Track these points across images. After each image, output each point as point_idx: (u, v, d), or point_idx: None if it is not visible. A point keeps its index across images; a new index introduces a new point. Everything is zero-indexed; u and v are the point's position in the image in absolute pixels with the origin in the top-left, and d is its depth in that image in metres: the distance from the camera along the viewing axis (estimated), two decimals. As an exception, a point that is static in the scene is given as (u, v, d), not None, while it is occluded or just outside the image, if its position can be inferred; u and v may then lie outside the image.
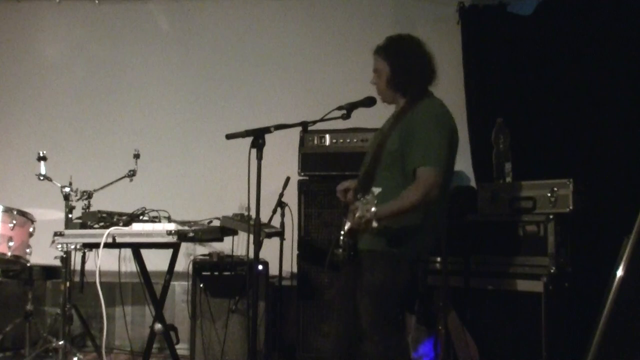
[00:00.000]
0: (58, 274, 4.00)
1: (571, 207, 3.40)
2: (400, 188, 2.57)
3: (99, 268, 3.35)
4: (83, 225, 3.42)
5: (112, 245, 3.28)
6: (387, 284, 2.63)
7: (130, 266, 3.69)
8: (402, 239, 2.63)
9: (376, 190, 2.53)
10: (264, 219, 3.27)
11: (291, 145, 4.14)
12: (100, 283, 3.33)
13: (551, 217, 3.42)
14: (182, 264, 4.30)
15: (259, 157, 2.58)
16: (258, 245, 2.62)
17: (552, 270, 3.35)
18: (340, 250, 2.66)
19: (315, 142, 4.07)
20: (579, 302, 3.44)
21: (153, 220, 3.49)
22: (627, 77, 3.92)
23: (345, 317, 2.75)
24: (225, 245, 3.95)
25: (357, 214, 2.28)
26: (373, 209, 2.26)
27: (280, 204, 3.89)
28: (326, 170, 4.00)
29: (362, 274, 2.65)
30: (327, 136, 4.05)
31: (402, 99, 2.78)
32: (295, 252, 4.02)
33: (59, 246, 3.62)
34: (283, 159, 4.08)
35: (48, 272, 4.20)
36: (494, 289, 3.50)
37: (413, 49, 2.77)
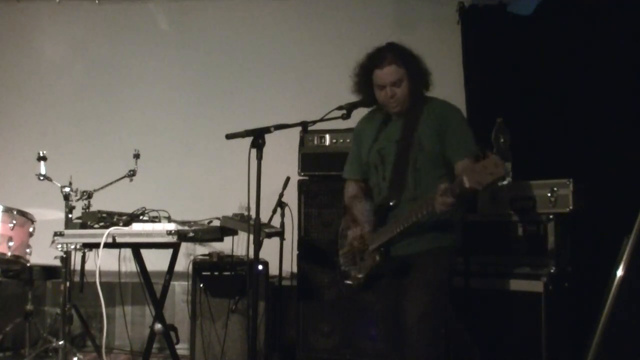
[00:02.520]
0: (58, 274, 4.00)
1: (571, 207, 3.40)
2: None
3: (99, 268, 3.35)
4: (83, 225, 3.42)
5: (112, 245, 3.27)
6: (444, 278, 2.76)
7: (130, 266, 3.69)
8: (458, 234, 2.80)
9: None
10: (264, 219, 3.27)
11: (291, 145, 4.13)
12: (100, 283, 3.33)
13: (551, 217, 3.42)
14: (182, 264, 4.30)
15: (259, 157, 2.58)
16: (258, 245, 2.62)
17: (552, 270, 3.35)
18: (360, 276, 2.80)
19: (315, 142, 4.07)
20: (579, 302, 3.43)
21: (153, 220, 3.49)
22: (627, 76, 3.91)
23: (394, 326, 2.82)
24: (225, 245, 3.95)
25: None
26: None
27: (280, 204, 3.89)
28: (326, 170, 4.00)
29: (415, 272, 2.71)
30: (327, 136, 4.05)
31: (409, 104, 2.80)
32: (295, 252, 4.02)
33: (59, 246, 3.63)
34: (283, 159, 4.07)
35: (48, 272, 4.20)
36: (494, 289, 3.49)
37: (417, 54, 2.79)
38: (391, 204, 2.72)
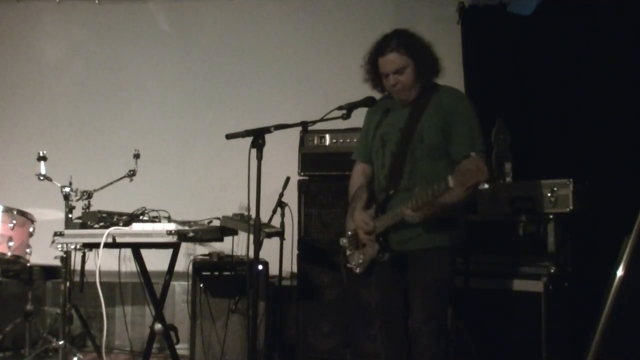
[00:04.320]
0: (58, 274, 4.00)
1: (571, 207, 3.40)
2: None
3: (99, 268, 3.35)
4: (83, 225, 3.41)
5: (112, 245, 3.27)
6: (447, 278, 2.76)
7: (130, 266, 3.69)
8: (459, 232, 2.77)
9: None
10: (264, 219, 3.27)
11: (291, 145, 4.13)
12: (100, 283, 3.33)
13: (551, 217, 3.41)
14: (182, 264, 4.30)
15: (259, 157, 2.58)
16: (258, 245, 2.62)
17: (552, 270, 3.35)
18: (361, 262, 2.81)
19: (315, 142, 4.07)
20: (579, 302, 3.43)
21: (153, 220, 3.49)
22: (627, 76, 3.91)
23: (395, 318, 2.84)
24: (225, 245, 3.95)
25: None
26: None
27: (280, 204, 3.89)
28: (326, 170, 4.00)
29: (418, 272, 2.73)
30: (327, 136, 4.04)
31: (416, 91, 2.78)
32: (295, 252, 4.02)
33: (59, 246, 3.62)
34: (283, 159, 4.07)
35: (48, 272, 4.20)
36: (494, 289, 3.49)
37: (424, 40, 2.78)
38: (389, 193, 2.72)
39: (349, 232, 2.92)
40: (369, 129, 2.95)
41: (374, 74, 2.81)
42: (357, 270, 2.86)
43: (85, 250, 3.98)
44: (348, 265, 2.92)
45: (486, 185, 2.19)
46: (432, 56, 2.76)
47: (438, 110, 2.72)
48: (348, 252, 2.93)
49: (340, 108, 2.73)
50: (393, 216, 2.66)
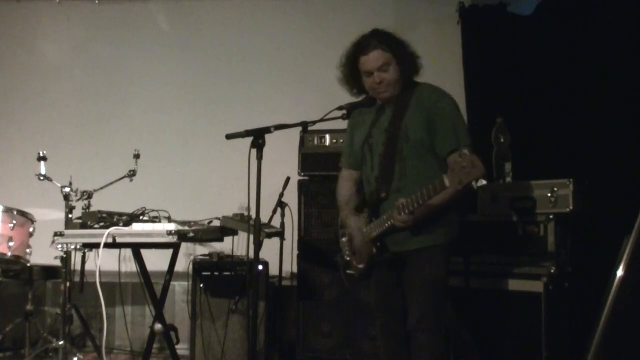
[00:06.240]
0: (58, 274, 4.01)
1: (571, 207, 3.39)
2: (438, 173, 2.46)
3: (99, 268, 3.35)
4: (83, 225, 3.42)
5: (112, 245, 3.27)
6: (442, 275, 2.74)
7: (130, 266, 3.69)
8: (453, 229, 2.76)
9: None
10: (264, 219, 3.27)
11: (291, 145, 4.13)
12: (100, 283, 3.33)
13: (551, 217, 3.41)
14: (182, 264, 4.30)
15: (259, 157, 2.58)
16: (258, 245, 2.62)
17: (552, 270, 3.35)
18: (361, 266, 2.81)
19: (315, 142, 4.07)
20: (579, 302, 3.43)
21: (153, 220, 3.49)
22: (627, 76, 3.91)
23: (394, 316, 2.84)
24: (225, 245, 3.95)
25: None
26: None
27: (280, 204, 3.89)
28: (326, 170, 4.00)
29: (412, 272, 2.72)
30: (327, 136, 4.05)
31: (398, 89, 2.78)
32: (295, 252, 4.02)
33: (59, 246, 3.63)
34: (283, 159, 4.07)
35: (48, 272, 4.21)
36: (494, 289, 3.49)
37: (401, 38, 2.78)
38: (382, 195, 2.72)
39: (344, 239, 2.92)
40: (355, 136, 2.93)
41: (353, 75, 2.82)
42: (357, 275, 2.87)
43: (85, 250, 3.99)
44: (348, 271, 2.92)
45: (484, 181, 2.14)
46: (412, 53, 2.76)
47: (420, 107, 2.71)
48: (347, 258, 2.93)
49: (340, 108, 2.73)
50: (385, 220, 2.65)
